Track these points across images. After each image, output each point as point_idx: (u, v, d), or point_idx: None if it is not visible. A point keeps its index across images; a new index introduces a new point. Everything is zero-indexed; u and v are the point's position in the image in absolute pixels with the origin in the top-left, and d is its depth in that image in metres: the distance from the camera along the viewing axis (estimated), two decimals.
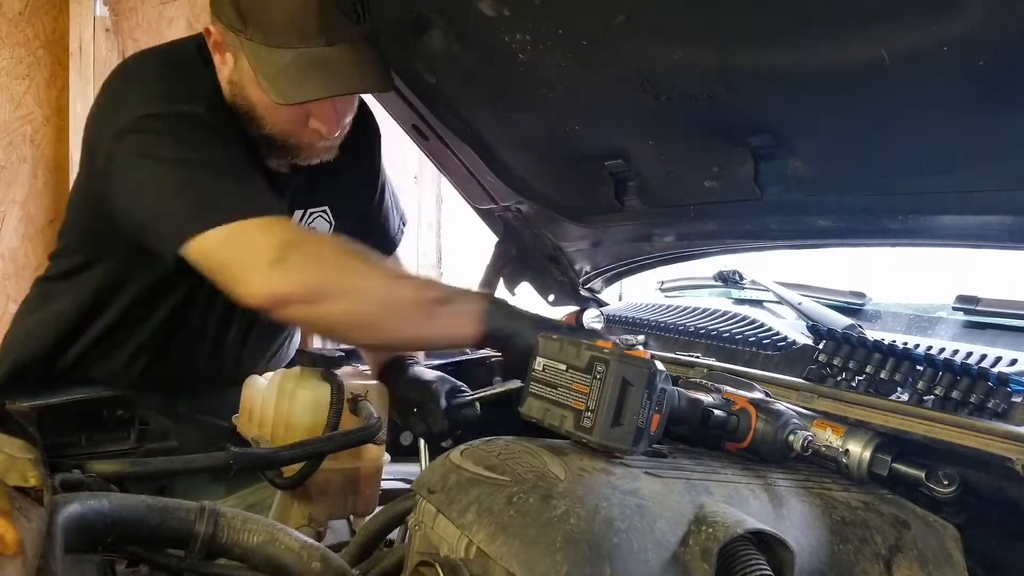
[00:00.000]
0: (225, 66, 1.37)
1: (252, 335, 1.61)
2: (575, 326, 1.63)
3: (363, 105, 1.62)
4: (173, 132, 1.31)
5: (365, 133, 1.64)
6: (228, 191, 1.29)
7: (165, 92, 1.35)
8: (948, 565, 0.97)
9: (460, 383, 1.50)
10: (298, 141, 1.40)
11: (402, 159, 3.46)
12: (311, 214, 1.58)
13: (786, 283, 1.83)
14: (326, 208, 1.60)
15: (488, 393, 1.48)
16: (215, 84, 1.39)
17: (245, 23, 1.28)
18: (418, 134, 1.84)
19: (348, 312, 1.23)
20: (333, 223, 1.61)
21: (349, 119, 1.44)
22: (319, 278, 1.22)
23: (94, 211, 1.43)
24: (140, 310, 1.51)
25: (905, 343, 1.35)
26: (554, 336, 0.96)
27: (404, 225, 1.84)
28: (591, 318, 1.80)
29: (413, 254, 3.74)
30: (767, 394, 1.10)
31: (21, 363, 1.54)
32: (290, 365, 1.66)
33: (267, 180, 1.41)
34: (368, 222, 1.70)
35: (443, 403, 1.44)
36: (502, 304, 1.26)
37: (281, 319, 1.31)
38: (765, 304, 1.88)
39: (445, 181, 2.22)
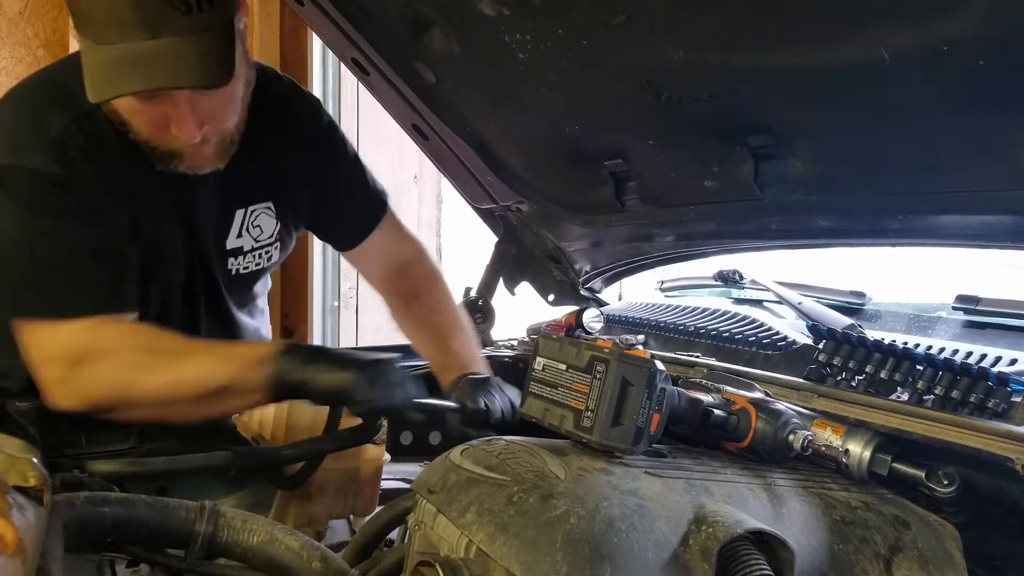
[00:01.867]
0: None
1: (226, 329, 1.60)
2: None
3: (297, 90, 1.59)
4: (10, 193, 1.29)
5: (305, 119, 1.58)
6: (44, 281, 1.29)
7: (14, 139, 1.31)
8: (948, 565, 0.97)
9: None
10: (167, 148, 1.32)
11: (402, 159, 3.46)
12: (252, 211, 1.52)
13: (786, 283, 1.83)
14: (270, 204, 1.54)
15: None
16: (87, 105, 1.28)
17: (76, 21, 1.24)
18: (418, 134, 1.84)
19: (132, 415, 1.32)
20: (277, 217, 1.56)
21: (227, 122, 1.34)
22: (98, 397, 1.27)
23: None
24: None
25: (905, 343, 1.35)
26: (554, 336, 0.96)
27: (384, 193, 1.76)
28: (591, 318, 1.80)
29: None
30: (767, 394, 1.10)
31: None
32: None
33: (169, 182, 1.37)
34: (333, 213, 1.66)
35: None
36: (299, 355, 1.26)
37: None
38: (765, 304, 1.88)
39: (445, 181, 2.22)
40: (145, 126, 1.29)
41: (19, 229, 1.29)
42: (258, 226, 1.54)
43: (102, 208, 1.32)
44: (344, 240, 1.71)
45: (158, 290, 1.42)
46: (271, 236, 1.56)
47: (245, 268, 1.55)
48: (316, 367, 1.23)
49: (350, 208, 1.67)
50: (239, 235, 1.52)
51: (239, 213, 1.50)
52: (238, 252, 1.53)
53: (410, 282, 1.70)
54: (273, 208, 1.55)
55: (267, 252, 1.57)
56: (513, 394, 1.41)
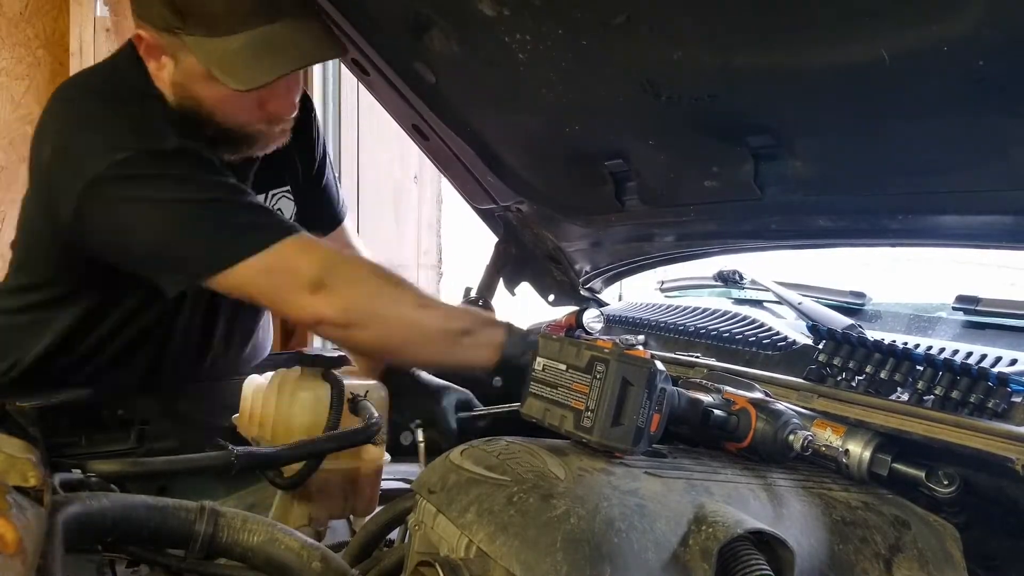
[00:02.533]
0: (163, 70, 1.34)
1: (235, 330, 1.62)
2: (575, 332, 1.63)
3: (304, 93, 1.62)
4: (154, 171, 1.29)
5: (308, 112, 1.64)
6: (243, 220, 1.30)
7: (125, 130, 1.31)
8: (948, 565, 0.97)
9: (466, 392, 1.50)
10: (255, 130, 1.38)
11: (402, 159, 3.46)
12: (274, 196, 1.58)
13: (786, 283, 1.83)
14: (288, 188, 1.60)
15: (498, 410, 1.49)
16: (156, 99, 1.36)
17: (184, 19, 1.26)
18: (418, 134, 1.84)
19: (378, 338, 1.31)
20: (295, 201, 1.62)
21: (299, 97, 1.43)
22: (356, 305, 1.28)
23: (67, 255, 1.41)
24: (128, 324, 1.51)
25: (905, 343, 1.35)
26: (554, 336, 0.96)
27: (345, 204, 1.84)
28: (591, 318, 1.80)
29: (413, 254, 3.73)
30: (767, 394, 1.10)
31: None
32: (290, 365, 1.66)
33: (231, 173, 1.40)
34: (319, 197, 1.71)
35: (452, 421, 1.44)
36: (519, 334, 1.32)
37: (317, 334, 1.34)
38: (765, 304, 1.88)
39: (445, 181, 2.22)
40: (238, 113, 1.35)
41: (180, 199, 1.29)
42: (279, 209, 1.60)
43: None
44: (315, 227, 1.73)
45: None
46: (291, 219, 1.61)
47: None
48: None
49: (325, 199, 1.74)
50: None
51: (261, 197, 1.55)
52: None
53: None
54: (291, 193, 1.62)
55: None
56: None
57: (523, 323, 2.05)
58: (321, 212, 1.72)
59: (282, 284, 1.28)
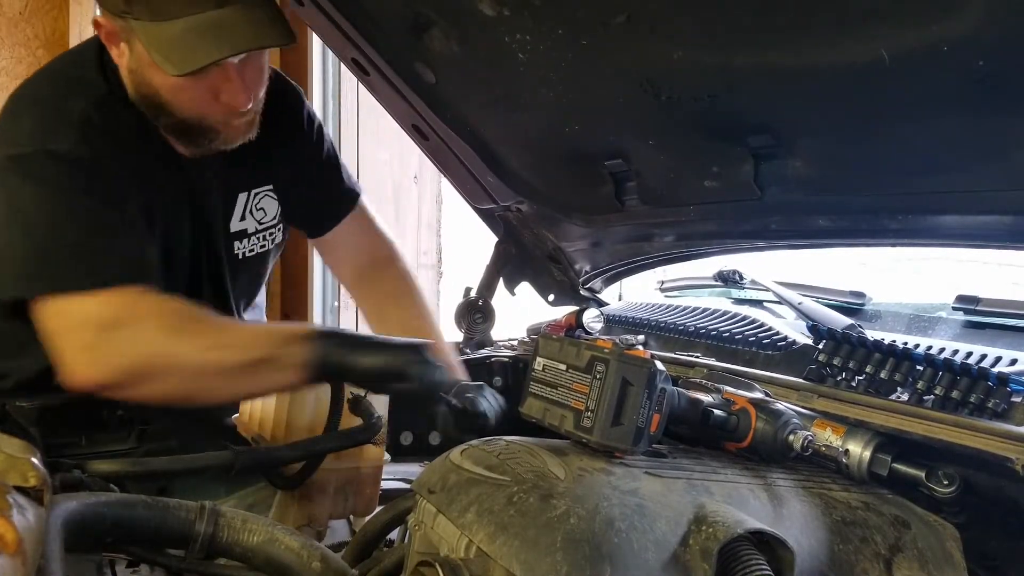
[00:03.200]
0: (122, 57, 1.32)
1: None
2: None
3: (283, 79, 1.61)
4: (36, 176, 1.27)
5: (287, 102, 1.60)
6: (71, 255, 1.26)
7: (33, 129, 1.30)
8: (948, 565, 0.97)
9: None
10: (212, 122, 1.35)
11: (402, 159, 3.46)
12: (256, 195, 1.55)
13: (786, 283, 1.83)
14: (271, 187, 1.57)
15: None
16: (102, 92, 1.34)
17: (130, 3, 1.24)
18: (418, 134, 1.84)
19: (163, 391, 1.26)
20: (279, 200, 1.59)
21: (262, 91, 1.39)
22: (128, 364, 1.23)
23: None
24: None
25: (905, 343, 1.35)
26: (554, 336, 0.97)
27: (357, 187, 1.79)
28: (591, 318, 1.80)
29: (413, 254, 3.73)
30: (767, 394, 1.10)
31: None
32: None
33: (177, 168, 1.38)
34: (313, 194, 1.68)
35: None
36: (337, 338, 1.26)
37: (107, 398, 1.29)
38: (765, 304, 1.88)
39: (445, 181, 2.22)
40: (191, 103, 1.32)
41: (44, 210, 1.27)
42: (261, 209, 1.57)
43: (124, 190, 1.33)
44: (314, 226, 1.72)
45: (164, 276, 1.42)
46: (274, 219, 1.60)
47: (250, 251, 1.57)
48: (361, 349, 1.23)
49: (324, 195, 1.69)
50: (242, 218, 1.55)
51: (242, 196, 1.53)
52: (243, 235, 1.55)
53: (385, 284, 1.71)
54: (274, 191, 1.58)
55: (271, 234, 1.60)
56: (499, 400, 1.42)
57: (523, 323, 2.06)
58: (325, 207, 1.70)
59: (61, 334, 1.24)
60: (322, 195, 1.68)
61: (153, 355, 1.24)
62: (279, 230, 1.63)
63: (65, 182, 1.28)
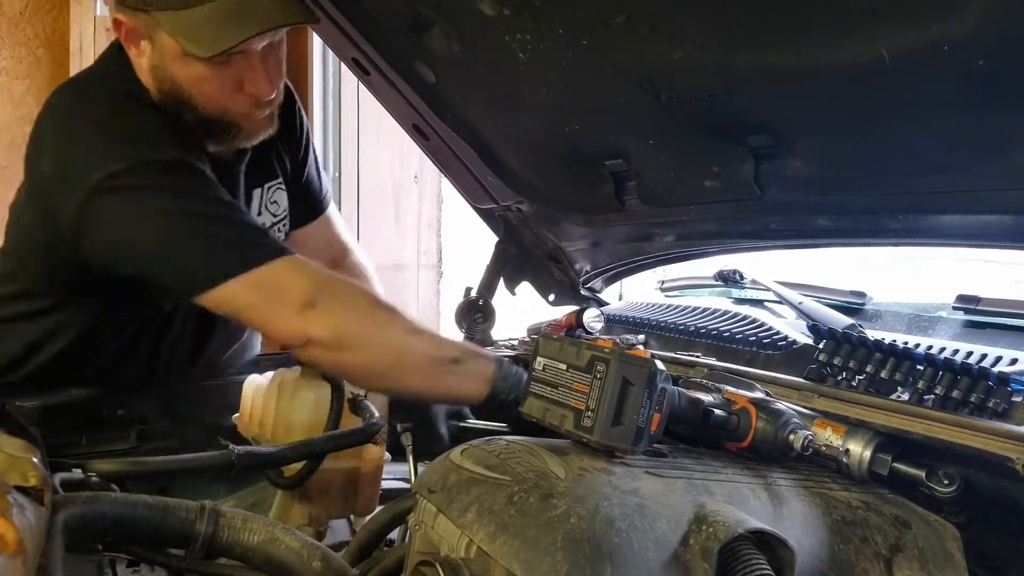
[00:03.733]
0: (143, 56, 1.33)
1: (233, 325, 1.62)
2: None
3: (287, 85, 1.62)
4: (152, 182, 1.28)
5: (290, 103, 1.62)
6: (238, 236, 1.29)
7: (123, 140, 1.31)
8: (948, 565, 0.97)
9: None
10: (236, 115, 1.37)
11: (402, 159, 3.46)
12: (269, 188, 1.58)
13: (786, 283, 1.83)
14: (280, 181, 1.60)
15: (488, 426, 1.50)
16: (149, 109, 1.35)
17: None
18: (418, 134, 1.84)
19: (367, 362, 1.28)
20: (288, 193, 1.62)
21: (282, 83, 1.41)
22: (346, 326, 1.25)
23: (62, 265, 1.39)
24: (126, 326, 1.50)
25: (905, 343, 1.35)
26: (554, 336, 0.97)
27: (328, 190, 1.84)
28: (591, 318, 1.80)
29: (413, 254, 3.73)
30: (767, 394, 1.10)
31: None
32: (290, 364, 1.67)
33: (216, 168, 1.39)
34: (305, 188, 1.70)
35: (443, 429, 1.44)
36: (508, 370, 1.29)
37: (300, 357, 1.32)
38: (765, 304, 1.88)
39: (445, 181, 2.22)
40: (215, 95, 1.33)
41: (175, 211, 1.28)
42: (275, 202, 1.60)
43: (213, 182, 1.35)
44: (299, 217, 1.73)
45: None
46: (285, 210, 1.63)
47: None
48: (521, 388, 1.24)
49: (309, 189, 1.72)
50: (259, 213, 1.58)
51: (257, 192, 1.56)
52: None
53: (343, 273, 1.72)
54: (284, 185, 1.62)
55: (284, 226, 1.64)
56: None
57: (523, 323, 2.06)
58: (308, 203, 1.72)
59: (272, 301, 1.26)
60: (309, 191, 1.72)
61: (366, 322, 1.27)
62: (288, 222, 1.66)
63: (179, 183, 1.30)
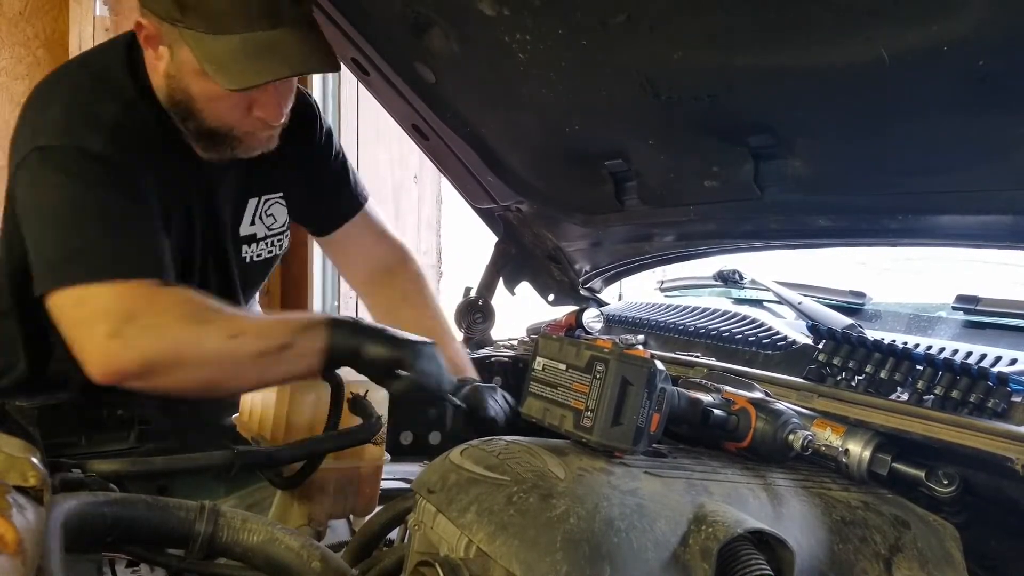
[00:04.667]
0: (160, 61, 1.34)
1: None
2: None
3: (301, 93, 1.60)
4: (64, 169, 1.29)
5: (306, 116, 1.62)
6: (96, 246, 1.27)
7: (66, 122, 1.33)
8: (948, 565, 0.97)
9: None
10: (240, 132, 1.38)
11: (402, 159, 3.46)
12: (266, 201, 1.58)
13: (786, 283, 1.83)
14: (281, 194, 1.60)
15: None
16: (131, 94, 1.37)
17: (184, 11, 1.26)
18: (418, 134, 1.84)
19: (186, 380, 1.27)
20: (288, 208, 1.62)
21: (289, 107, 1.42)
22: (154, 353, 1.23)
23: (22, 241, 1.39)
24: None
25: (905, 343, 1.35)
26: (554, 336, 0.97)
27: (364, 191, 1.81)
28: (591, 318, 1.80)
29: (413, 254, 3.73)
30: (767, 394, 1.10)
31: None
32: None
33: (195, 168, 1.41)
34: (323, 201, 1.70)
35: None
36: (347, 326, 1.29)
37: (122, 387, 1.29)
38: (765, 304, 1.88)
39: (445, 181, 2.22)
40: (224, 114, 1.35)
41: (70, 202, 1.29)
42: (271, 215, 1.59)
43: (147, 189, 1.35)
44: (320, 224, 1.74)
45: (179, 275, 1.43)
46: (283, 225, 1.62)
47: (258, 256, 1.60)
48: (371, 338, 1.26)
49: (330, 199, 1.72)
50: (252, 223, 1.57)
51: (252, 202, 1.56)
52: (252, 239, 1.58)
53: (398, 286, 1.73)
54: (284, 199, 1.61)
55: (279, 240, 1.63)
56: (510, 401, 1.43)
57: (523, 323, 2.06)
58: (322, 210, 1.72)
59: (84, 324, 1.24)
60: (328, 199, 1.71)
61: (176, 344, 1.25)
62: (286, 237, 1.65)
63: (92, 178, 1.30)
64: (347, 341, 1.26)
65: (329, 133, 1.71)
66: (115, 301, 1.24)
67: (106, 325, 1.22)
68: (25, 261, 1.37)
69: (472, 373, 1.55)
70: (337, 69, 1.39)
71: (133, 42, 1.40)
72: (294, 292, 3.34)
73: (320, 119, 1.68)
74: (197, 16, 1.26)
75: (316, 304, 3.41)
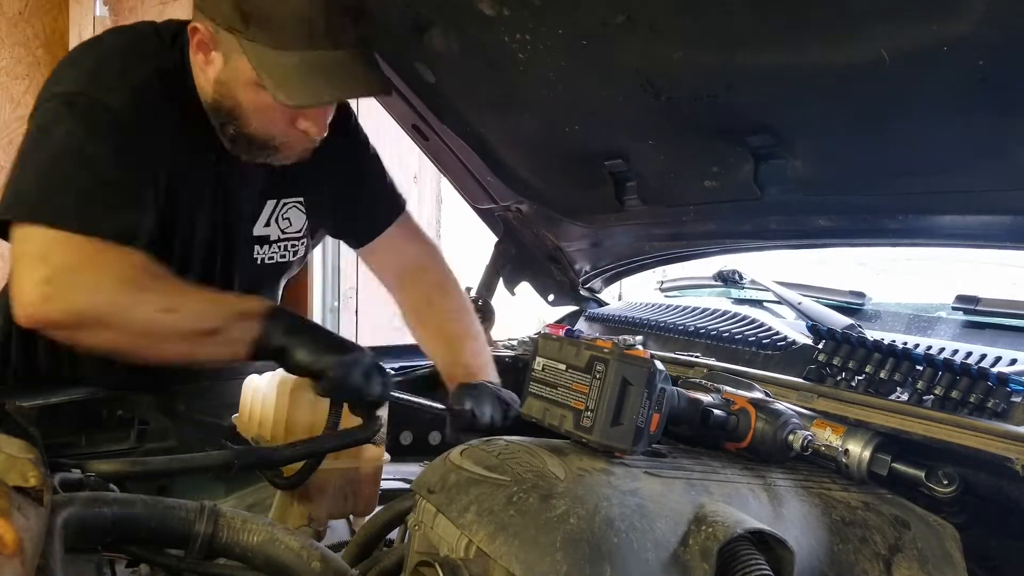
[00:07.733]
0: (211, 66, 1.34)
1: None
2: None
3: (343, 104, 1.61)
4: (77, 115, 1.29)
5: (347, 129, 1.62)
6: (74, 195, 1.27)
7: (92, 76, 1.33)
8: (948, 565, 0.97)
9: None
10: (279, 142, 1.39)
11: (402, 159, 3.46)
12: (284, 204, 1.57)
13: (786, 283, 1.83)
14: (301, 199, 1.59)
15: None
16: (171, 66, 1.37)
17: (247, 23, 1.26)
18: (418, 134, 1.84)
19: (109, 342, 1.26)
20: (307, 214, 1.60)
21: (329, 120, 1.42)
22: (82, 308, 1.23)
23: None
24: None
25: (905, 343, 1.35)
26: (554, 336, 0.97)
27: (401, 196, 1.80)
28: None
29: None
30: (767, 394, 1.10)
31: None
32: None
33: (215, 160, 1.41)
34: (359, 207, 1.69)
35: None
36: (282, 323, 1.28)
37: (45, 334, 1.29)
38: (765, 304, 1.89)
39: (445, 181, 2.22)
40: (268, 123, 1.35)
41: (65, 142, 1.29)
42: (287, 219, 1.58)
43: (153, 162, 1.35)
44: (359, 238, 1.72)
45: (178, 263, 1.43)
46: (299, 231, 1.61)
47: (270, 259, 1.58)
48: (297, 338, 1.26)
49: (368, 207, 1.70)
50: (267, 224, 1.56)
51: (270, 203, 1.55)
52: (264, 240, 1.56)
53: (424, 287, 1.71)
54: (304, 204, 1.60)
55: (293, 246, 1.61)
56: (509, 398, 1.43)
57: (523, 324, 2.06)
58: (359, 222, 1.71)
59: (27, 261, 1.23)
60: (362, 210, 1.70)
61: (107, 304, 1.24)
62: (303, 245, 1.63)
63: (97, 130, 1.30)
64: (276, 339, 1.26)
65: (362, 141, 1.70)
66: (62, 249, 1.23)
67: (46, 270, 1.22)
68: None
69: (489, 376, 1.55)
70: (389, 93, 1.40)
71: (162, 28, 1.40)
72: (294, 292, 3.34)
73: (353, 128, 1.67)
74: (261, 29, 1.26)
75: (316, 304, 3.41)
